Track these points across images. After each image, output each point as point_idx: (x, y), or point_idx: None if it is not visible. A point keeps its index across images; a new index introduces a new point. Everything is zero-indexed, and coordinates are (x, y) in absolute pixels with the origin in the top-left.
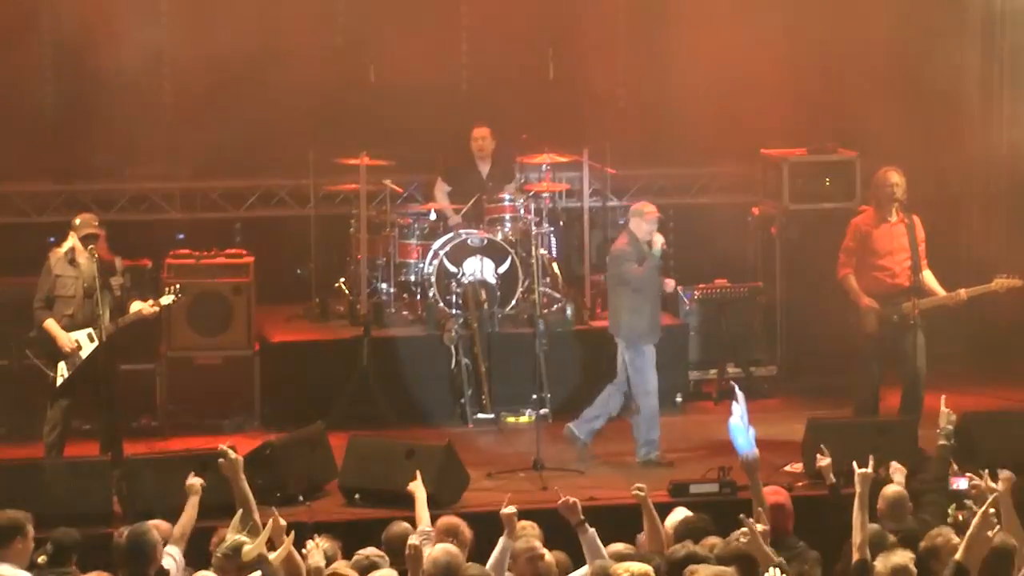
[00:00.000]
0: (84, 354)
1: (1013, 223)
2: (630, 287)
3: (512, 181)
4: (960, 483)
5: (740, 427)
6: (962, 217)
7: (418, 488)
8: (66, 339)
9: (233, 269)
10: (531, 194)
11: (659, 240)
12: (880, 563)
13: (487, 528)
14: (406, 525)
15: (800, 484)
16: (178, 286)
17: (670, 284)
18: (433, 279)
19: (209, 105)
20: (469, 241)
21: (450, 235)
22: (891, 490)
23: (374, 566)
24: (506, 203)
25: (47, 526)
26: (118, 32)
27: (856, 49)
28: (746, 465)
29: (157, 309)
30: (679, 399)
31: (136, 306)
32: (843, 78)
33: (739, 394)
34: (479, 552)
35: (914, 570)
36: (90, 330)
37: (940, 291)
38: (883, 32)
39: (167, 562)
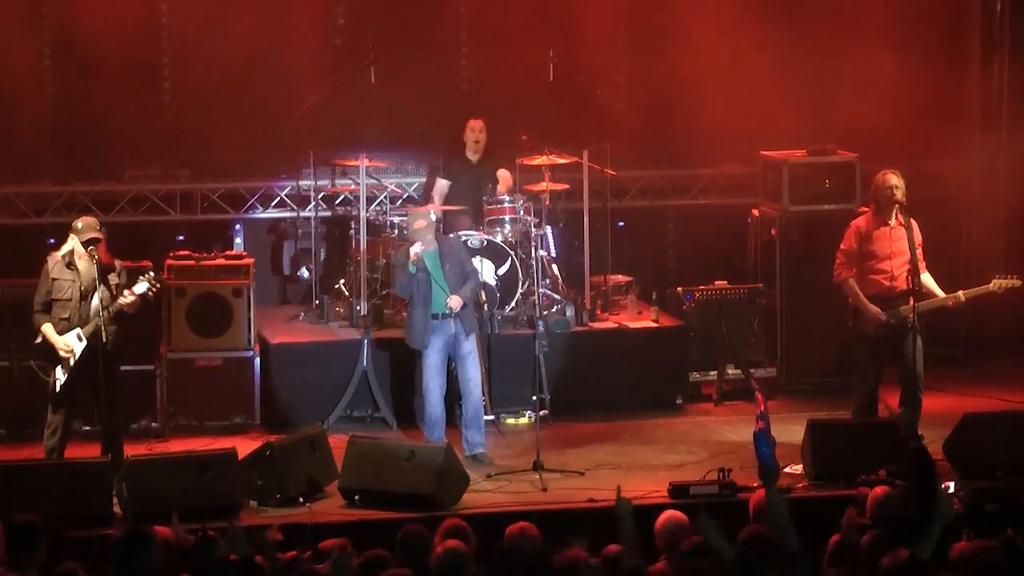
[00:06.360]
0: (76, 353)
1: (1011, 225)
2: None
3: (493, 178)
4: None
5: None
6: (961, 219)
7: None
8: (61, 344)
9: (233, 270)
10: (531, 195)
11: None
12: None
13: (487, 530)
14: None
15: (800, 485)
16: (152, 273)
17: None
18: None
19: (209, 106)
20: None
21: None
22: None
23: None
24: (505, 204)
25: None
26: (118, 33)
27: (856, 50)
28: (771, 475)
29: (135, 298)
30: (679, 400)
31: (119, 302)
32: (843, 79)
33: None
34: (480, 554)
35: None
36: (78, 330)
37: (939, 293)
38: (883, 33)
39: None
